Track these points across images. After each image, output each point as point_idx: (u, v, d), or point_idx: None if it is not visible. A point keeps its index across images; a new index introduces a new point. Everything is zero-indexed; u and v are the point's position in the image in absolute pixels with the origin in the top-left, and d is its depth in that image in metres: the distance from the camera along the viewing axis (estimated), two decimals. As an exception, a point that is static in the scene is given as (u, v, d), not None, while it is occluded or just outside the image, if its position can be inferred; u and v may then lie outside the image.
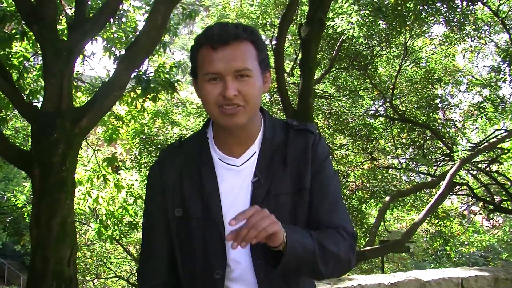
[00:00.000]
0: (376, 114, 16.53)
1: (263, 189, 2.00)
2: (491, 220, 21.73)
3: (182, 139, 2.19)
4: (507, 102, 15.90)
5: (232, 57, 1.88)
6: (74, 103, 7.09)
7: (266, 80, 2.01)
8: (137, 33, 8.80)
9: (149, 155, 14.85)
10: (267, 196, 2.00)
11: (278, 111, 13.36)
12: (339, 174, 15.89)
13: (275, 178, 2.03)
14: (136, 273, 17.29)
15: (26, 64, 10.02)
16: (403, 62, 14.99)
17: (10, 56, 9.22)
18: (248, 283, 2.03)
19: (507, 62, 14.58)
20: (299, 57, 10.83)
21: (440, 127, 16.08)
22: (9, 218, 17.34)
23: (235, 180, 2.00)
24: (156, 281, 2.13)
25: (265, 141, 2.04)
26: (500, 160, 16.97)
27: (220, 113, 1.93)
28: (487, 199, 16.95)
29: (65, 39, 6.98)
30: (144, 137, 14.71)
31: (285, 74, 12.39)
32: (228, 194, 2.03)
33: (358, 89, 15.54)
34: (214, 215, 2.00)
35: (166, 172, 2.04)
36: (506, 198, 16.61)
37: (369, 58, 14.27)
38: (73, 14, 7.56)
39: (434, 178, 15.76)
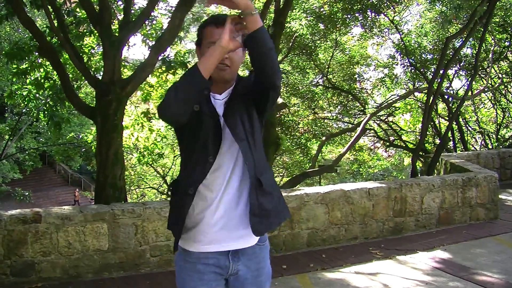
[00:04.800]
0: (317, 84, 16.55)
1: (230, 108, 1.96)
2: (387, 152, 22.12)
3: None
4: (399, 78, 16.08)
5: None
6: (122, 76, 7.04)
7: (245, 54, 2.01)
8: (163, 30, 8.69)
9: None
10: (231, 111, 1.97)
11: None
12: (293, 124, 16.01)
13: (236, 103, 2.00)
14: (162, 182, 17.46)
15: (92, 51, 10.01)
16: (335, 51, 14.97)
17: (82, 46, 9.19)
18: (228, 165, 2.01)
19: (399, 52, 14.74)
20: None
21: (357, 93, 16.18)
22: (83, 149, 17.36)
23: (217, 106, 1.96)
24: None
25: (235, 88, 2.00)
26: (394, 114, 17.27)
27: (215, 68, 1.86)
28: (386, 139, 17.22)
29: (117, 35, 6.89)
30: (167, 98, 14.56)
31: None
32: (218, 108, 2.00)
33: (305, 67, 15.52)
34: (215, 115, 1.96)
35: None
36: (396, 138, 16.91)
37: (313, 48, 14.19)
38: (122, 19, 7.51)
39: (353, 125, 15.96)
